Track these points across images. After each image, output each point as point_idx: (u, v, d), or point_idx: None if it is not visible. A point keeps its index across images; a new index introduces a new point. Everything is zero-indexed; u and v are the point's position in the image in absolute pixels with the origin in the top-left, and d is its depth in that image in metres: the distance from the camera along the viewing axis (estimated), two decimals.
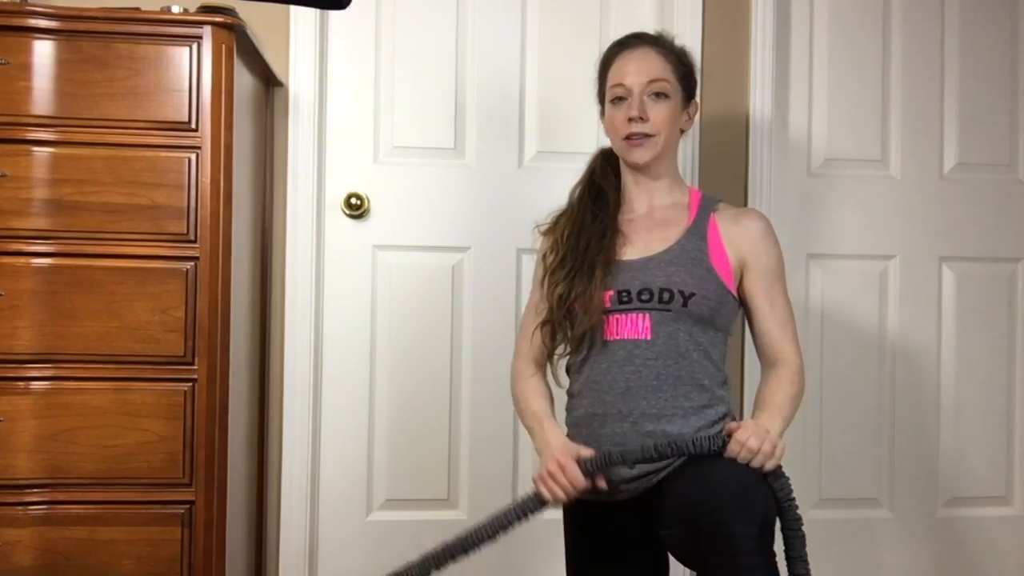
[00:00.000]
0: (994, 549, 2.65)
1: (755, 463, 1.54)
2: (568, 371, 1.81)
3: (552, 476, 1.62)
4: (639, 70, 1.79)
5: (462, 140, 2.49)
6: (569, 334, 1.75)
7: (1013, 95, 2.65)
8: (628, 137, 1.78)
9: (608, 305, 1.71)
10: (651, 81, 1.78)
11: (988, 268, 2.66)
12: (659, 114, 1.78)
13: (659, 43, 1.84)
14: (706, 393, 1.69)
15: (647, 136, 1.77)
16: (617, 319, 1.71)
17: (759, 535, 1.44)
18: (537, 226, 1.88)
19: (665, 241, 1.76)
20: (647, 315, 1.69)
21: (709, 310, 1.70)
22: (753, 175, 2.50)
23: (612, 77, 1.82)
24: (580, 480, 1.61)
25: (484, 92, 2.49)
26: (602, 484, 1.64)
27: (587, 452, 1.64)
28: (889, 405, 2.62)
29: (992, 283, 2.66)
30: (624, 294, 1.71)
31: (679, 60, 1.83)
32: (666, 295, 1.69)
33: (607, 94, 1.84)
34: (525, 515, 1.62)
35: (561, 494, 1.62)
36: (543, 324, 1.78)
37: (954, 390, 2.64)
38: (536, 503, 1.63)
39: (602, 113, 1.88)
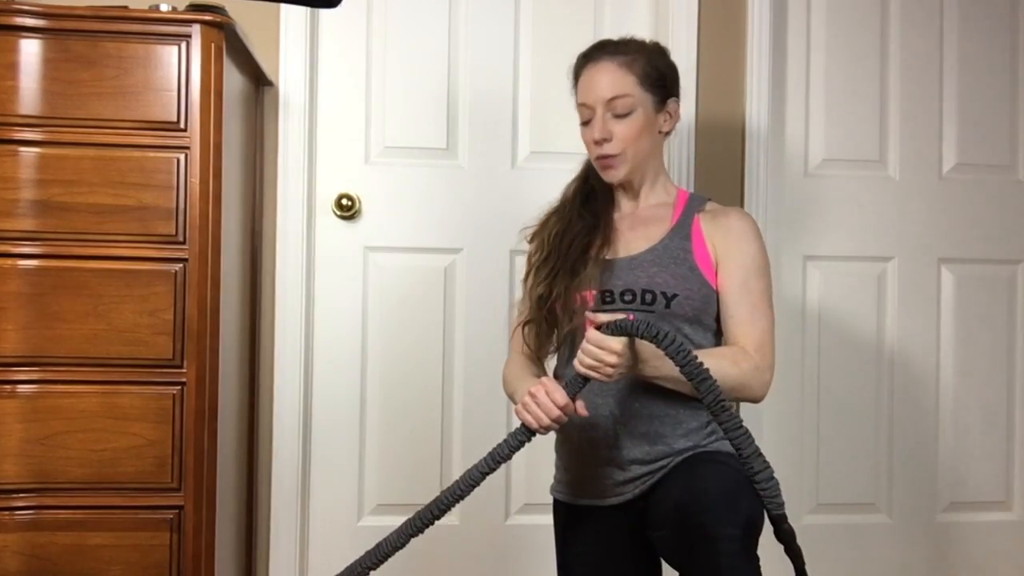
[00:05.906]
0: (994, 555, 2.63)
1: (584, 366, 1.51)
2: (555, 374, 1.78)
3: (533, 397, 1.56)
4: (599, 86, 1.72)
5: (454, 140, 2.47)
6: (552, 334, 1.73)
7: (1013, 95, 2.64)
8: (598, 158, 1.74)
9: (592, 305, 1.69)
10: (611, 100, 1.71)
11: (988, 270, 2.64)
12: (622, 131, 1.71)
13: (619, 52, 1.74)
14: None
15: (614, 156, 1.72)
16: None
17: (743, 537, 1.43)
18: (524, 229, 1.85)
19: (648, 240, 1.74)
20: (631, 316, 1.61)
21: (693, 310, 1.68)
22: (749, 176, 2.48)
23: (578, 95, 1.77)
24: (561, 396, 1.54)
25: (477, 92, 2.47)
26: (583, 411, 1.57)
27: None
28: (887, 409, 2.60)
29: (992, 285, 2.64)
30: (607, 294, 1.70)
31: (647, 64, 1.74)
32: (648, 296, 1.67)
33: (577, 111, 1.78)
34: (513, 449, 1.56)
35: (545, 418, 1.54)
36: (525, 323, 1.77)
37: (953, 394, 2.62)
38: (522, 434, 1.56)
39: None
